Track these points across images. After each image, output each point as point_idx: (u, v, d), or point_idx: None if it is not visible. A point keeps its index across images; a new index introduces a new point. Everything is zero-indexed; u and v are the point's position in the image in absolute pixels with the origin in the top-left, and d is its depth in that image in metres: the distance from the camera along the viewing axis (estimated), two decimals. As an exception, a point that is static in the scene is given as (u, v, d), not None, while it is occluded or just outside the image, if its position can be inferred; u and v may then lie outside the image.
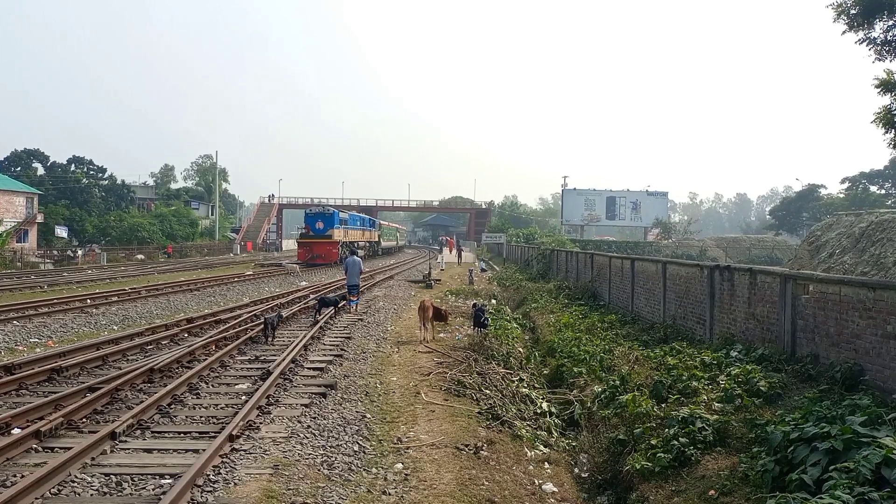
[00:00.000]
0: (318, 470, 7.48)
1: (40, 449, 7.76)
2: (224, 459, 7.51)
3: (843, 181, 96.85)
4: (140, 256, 59.42)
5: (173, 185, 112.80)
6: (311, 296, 25.18)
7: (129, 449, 7.87)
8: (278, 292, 27.52)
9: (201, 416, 9.31)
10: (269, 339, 15.35)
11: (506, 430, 9.89)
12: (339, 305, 19.31)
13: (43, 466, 6.76)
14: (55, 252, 56.02)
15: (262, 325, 16.59)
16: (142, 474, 7.01)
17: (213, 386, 11.18)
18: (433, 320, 16.70)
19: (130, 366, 12.10)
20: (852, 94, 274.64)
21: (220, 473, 7.09)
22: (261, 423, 8.97)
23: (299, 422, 9.13)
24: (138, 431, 8.53)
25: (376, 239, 66.18)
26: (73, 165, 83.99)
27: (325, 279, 35.06)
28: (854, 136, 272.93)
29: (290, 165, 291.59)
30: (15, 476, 6.77)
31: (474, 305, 18.87)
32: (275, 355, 13.36)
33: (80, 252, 55.37)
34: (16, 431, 8.03)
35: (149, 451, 7.82)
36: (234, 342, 14.61)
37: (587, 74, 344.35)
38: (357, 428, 9.15)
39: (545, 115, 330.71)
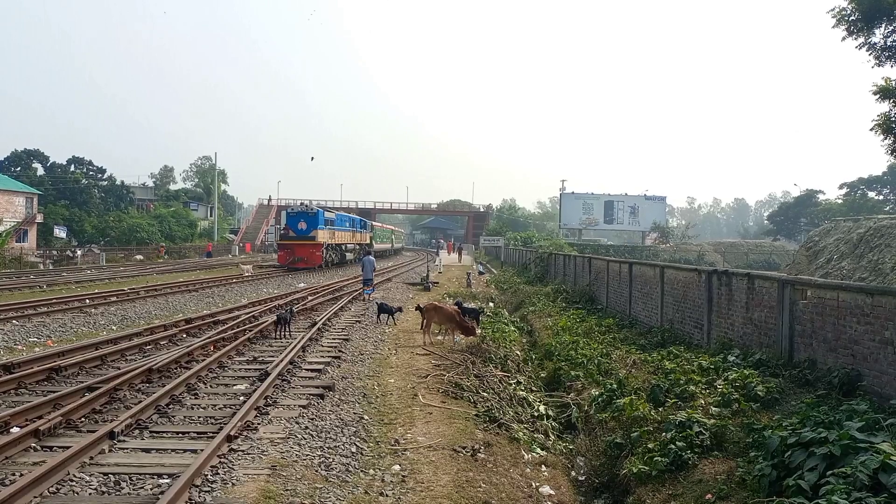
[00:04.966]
0: (316, 471, 7.49)
1: (39, 448, 7.76)
2: (222, 460, 7.51)
3: (841, 187, 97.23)
4: (139, 257, 59.36)
5: (172, 187, 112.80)
6: (310, 297, 25.21)
7: (127, 449, 7.87)
8: (276, 293, 27.54)
9: (199, 417, 9.32)
10: (283, 333, 16.20)
11: (503, 433, 9.90)
12: (392, 312, 19.88)
13: (42, 465, 6.77)
14: (54, 252, 55.94)
15: (259, 326, 16.70)
16: (140, 474, 7.01)
17: (211, 386, 11.19)
18: (457, 331, 16.29)
19: (129, 366, 12.10)
20: (851, 99, 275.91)
21: (218, 474, 7.09)
22: (259, 424, 8.97)
23: (297, 423, 9.13)
24: (137, 431, 8.53)
25: (368, 241, 63.80)
26: (72, 166, 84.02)
27: (324, 280, 35.06)
28: (853, 142, 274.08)
29: (289, 168, 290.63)
30: (14, 475, 6.78)
31: (458, 304, 18.85)
32: (273, 356, 13.37)
33: (79, 252, 55.32)
34: (15, 430, 8.03)
35: (147, 450, 7.82)
36: (232, 343, 14.61)
37: (586, 79, 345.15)
38: (355, 429, 9.17)
39: (544, 119, 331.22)
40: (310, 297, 25.19)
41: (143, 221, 77.69)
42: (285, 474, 7.21)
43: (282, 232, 48.14)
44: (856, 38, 17.60)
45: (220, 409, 9.76)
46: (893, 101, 16.41)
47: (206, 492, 6.60)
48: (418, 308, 18.44)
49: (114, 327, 17.91)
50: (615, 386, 11.09)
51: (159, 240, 73.74)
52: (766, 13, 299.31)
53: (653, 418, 9.21)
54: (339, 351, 14.72)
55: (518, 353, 16.22)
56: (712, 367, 10.95)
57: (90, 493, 6.53)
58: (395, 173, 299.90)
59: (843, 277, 33.69)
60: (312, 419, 9.41)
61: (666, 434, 8.41)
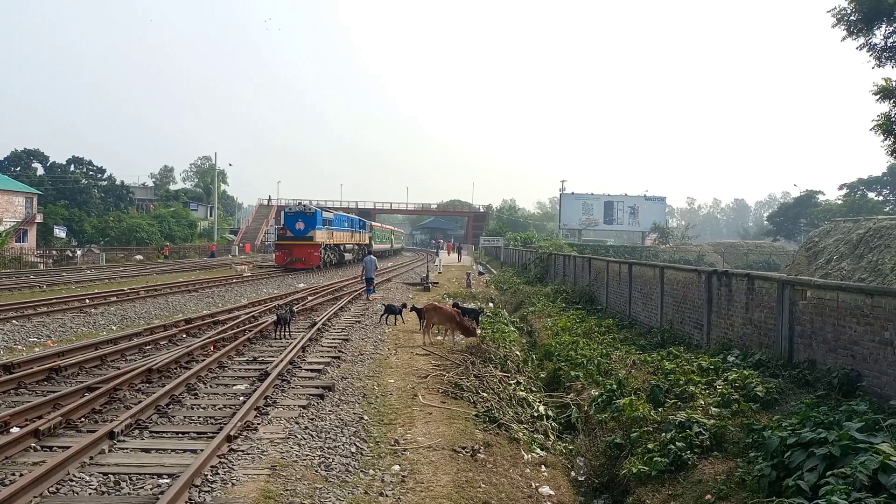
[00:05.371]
0: (316, 471, 7.49)
1: (39, 448, 7.77)
2: (222, 460, 7.52)
3: (841, 188, 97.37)
4: (139, 257, 59.35)
5: (172, 187, 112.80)
6: (310, 297, 25.20)
7: (127, 449, 7.88)
8: (276, 293, 27.54)
9: (199, 417, 9.32)
10: (282, 333, 16.23)
11: (503, 433, 9.89)
12: (399, 312, 19.78)
13: (41, 465, 6.78)
14: (54, 252, 55.93)
15: (259, 326, 16.71)
16: (140, 474, 7.02)
17: (211, 386, 11.19)
18: (457, 331, 16.18)
19: (129, 366, 12.10)
20: (851, 100, 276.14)
21: (217, 474, 7.10)
22: (259, 424, 8.98)
23: (297, 423, 9.14)
24: (136, 431, 8.53)
25: (367, 241, 63.22)
26: (72, 166, 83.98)
27: (323, 280, 35.06)
28: (852, 143, 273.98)
29: (289, 168, 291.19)
30: (14, 475, 6.78)
31: (455, 304, 18.85)
32: (272, 356, 13.38)
33: (78, 252, 55.31)
34: (15, 430, 8.04)
35: (147, 450, 7.83)
36: (232, 343, 14.61)
37: (586, 79, 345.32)
38: (354, 429, 9.17)
39: (544, 119, 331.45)
40: (309, 298, 25.19)
41: (143, 221, 77.68)
42: (285, 474, 7.21)
43: (279, 232, 47.50)
44: (856, 39, 17.59)
45: (219, 409, 9.76)
46: (893, 102, 16.40)
47: (205, 492, 6.61)
48: (413, 309, 18.57)
49: (114, 327, 17.92)
50: (615, 386, 11.09)
51: (159, 240, 73.72)
52: (766, 13, 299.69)
53: (652, 419, 9.21)
54: (339, 351, 14.72)
55: (518, 353, 16.21)
56: (712, 367, 10.95)
57: (90, 493, 6.53)
58: (395, 173, 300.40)
59: (842, 278, 33.72)
60: (312, 419, 9.42)
61: (666, 434, 8.42)
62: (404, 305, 20.20)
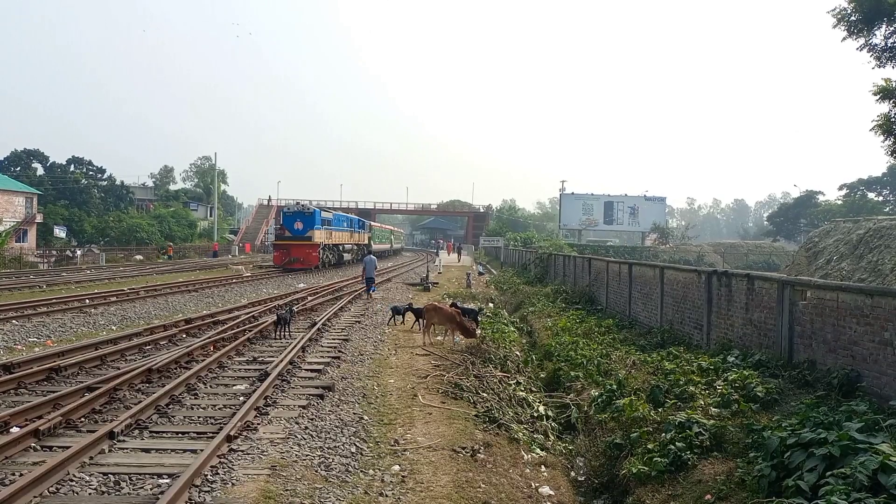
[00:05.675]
0: (316, 471, 7.49)
1: (39, 448, 7.77)
2: (222, 460, 7.52)
3: (841, 188, 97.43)
4: (139, 257, 59.32)
5: (172, 187, 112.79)
6: (310, 297, 25.20)
7: (127, 449, 7.88)
8: (276, 293, 27.54)
9: (199, 417, 9.32)
10: (282, 333, 16.24)
11: (502, 433, 9.89)
12: (403, 312, 19.72)
13: (41, 465, 6.78)
14: (54, 252, 55.92)
15: (259, 326, 16.70)
16: (140, 474, 7.02)
17: (211, 386, 11.19)
18: (457, 332, 16.08)
19: (129, 366, 12.10)
20: (851, 100, 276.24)
21: (217, 474, 7.10)
22: (258, 424, 8.98)
23: (297, 423, 9.14)
24: (136, 431, 8.53)
25: (366, 241, 63.04)
26: (72, 166, 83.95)
27: (323, 281, 35.05)
28: (853, 143, 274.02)
29: (289, 168, 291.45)
30: (14, 474, 6.78)
31: (454, 305, 18.84)
32: (272, 356, 13.37)
33: (78, 252, 55.30)
34: (15, 430, 8.03)
35: (147, 450, 7.83)
36: (232, 343, 14.61)
37: (586, 79, 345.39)
38: (354, 429, 9.17)
39: (544, 119, 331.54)
40: (309, 298, 25.18)
41: (143, 221, 77.64)
42: (285, 474, 7.21)
43: (278, 232, 47.11)
44: (856, 39, 17.59)
45: (219, 409, 9.76)
46: (894, 102, 16.40)
47: (205, 492, 6.61)
48: (410, 309, 18.90)
49: (113, 327, 17.91)
50: (615, 386, 11.09)
51: (159, 240, 73.70)
52: (766, 13, 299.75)
53: (652, 419, 9.22)
54: (339, 351, 14.72)
55: (518, 353, 16.21)
56: (712, 367, 10.96)
57: (90, 493, 6.54)
58: (395, 173, 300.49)
59: (842, 278, 33.73)
60: (312, 419, 9.42)
61: (665, 435, 8.42)
62: (408, 306, 20.22)
